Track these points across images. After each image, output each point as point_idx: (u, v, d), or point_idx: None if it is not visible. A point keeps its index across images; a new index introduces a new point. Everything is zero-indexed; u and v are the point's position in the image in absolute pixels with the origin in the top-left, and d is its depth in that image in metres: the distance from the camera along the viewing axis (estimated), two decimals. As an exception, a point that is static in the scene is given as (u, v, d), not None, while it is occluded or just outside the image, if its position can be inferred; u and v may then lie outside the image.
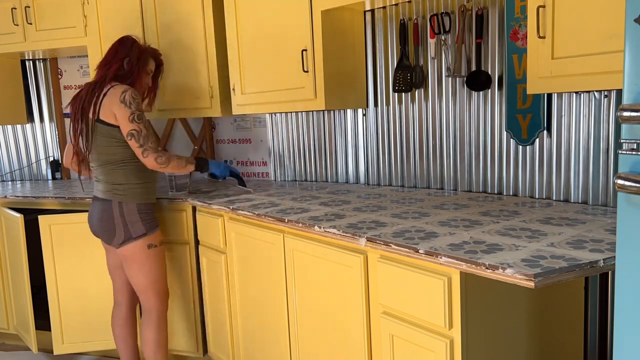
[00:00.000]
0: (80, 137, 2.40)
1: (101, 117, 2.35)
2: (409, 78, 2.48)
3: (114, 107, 2.33)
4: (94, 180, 2.51)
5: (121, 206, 2.41)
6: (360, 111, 2.80)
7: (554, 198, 2.12)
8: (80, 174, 2.58)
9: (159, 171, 2.47)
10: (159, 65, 2.67)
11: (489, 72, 2.23)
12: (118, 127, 2.35)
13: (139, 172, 2.45)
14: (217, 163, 2.72)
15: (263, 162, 3.34)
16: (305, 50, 2.48)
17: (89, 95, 2.40)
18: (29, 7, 3.27)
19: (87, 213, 2.83)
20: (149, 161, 2.38)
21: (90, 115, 2.37)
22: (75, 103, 2.44)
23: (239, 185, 2.87)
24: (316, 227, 1.91)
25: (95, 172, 2.48)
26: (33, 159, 3.89)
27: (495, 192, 2.32)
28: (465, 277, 1.45)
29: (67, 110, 2.54)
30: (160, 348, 2.57)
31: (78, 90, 2.51)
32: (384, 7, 2.58)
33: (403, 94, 2.59)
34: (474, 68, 2.26)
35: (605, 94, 1.90)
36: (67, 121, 3.82)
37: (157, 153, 2.38)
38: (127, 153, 2.41)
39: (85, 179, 3.77)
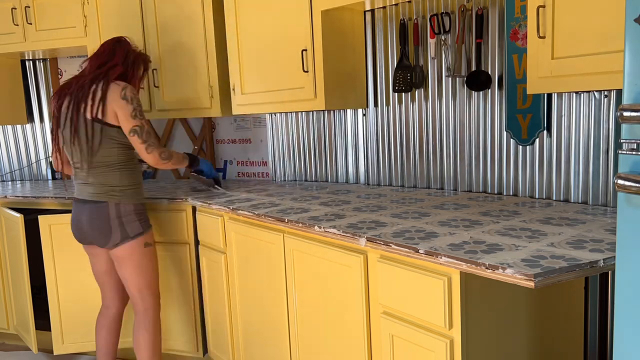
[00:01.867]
0: (77, 136, 2.32)
1: (101, 117, 2.29)
2: (409, 78, 2.48)
3: (115, 105, 2.30)
4: (77, 182, 2.44)
5: (118, 207, 2.38)
6: (360, 111, 2.80)
7: (554, 198, 2.12)
8: (69, 176, 2.55)
9: (158, 167, 2.48)
10: (144, 70, 2.63)
11: (489, 72, 2.23)
12: (117, 127, 2.33)
13: (131, 174, 2.44)
14: (206, 161, 2.86)
15: (263, 162, 3.34)
16: (305, 50, 2.48)
17: (83, 92, 2.33)
18: (29, 7, 3.27)
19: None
20: (153, 157, 2.38)
21: (89, 115, 2.30)
22: (66, 99, 2.37)
23: (216, 186, 2.92)
24: (316, 227, 1.91)
25: (81, 174, 2.39)
26: (33, 159, 3.89)
27: (495, 192, 2.32)
28: (465, 277, 1.45)
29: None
30: (156, 349, 2.56)
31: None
32: (384, 7, 2.58)
33: (403, 94, 2.59)
34: (474, 68, 2.26)
35: (605, 94, 1.90)
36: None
37: (160, 149, 2.41)
38: (122, 155, 2.39)
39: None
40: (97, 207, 2.37)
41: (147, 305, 2.52)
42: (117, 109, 2.30)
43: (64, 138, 2.39)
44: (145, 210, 2.50)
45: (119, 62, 2.43)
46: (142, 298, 2.51)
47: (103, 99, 2.30)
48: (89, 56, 2.52)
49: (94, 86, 2.33)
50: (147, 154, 2.37)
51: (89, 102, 2.30)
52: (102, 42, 3.13)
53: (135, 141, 2.35)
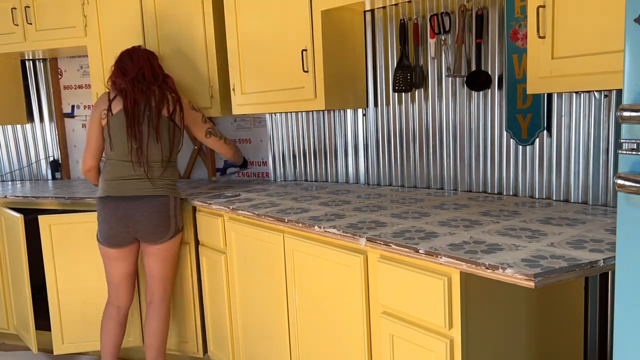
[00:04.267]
0: (158, 133, 2.47)
1: (175, 119, 2.53)
2: (409, 78, 2.48)
3: (187, 113, 2.63)
4: (127, 179, 2.46)
5: (176, 201, 2.55)
6: (360, 111, 2.80)
7: (554, 198, 2.12)
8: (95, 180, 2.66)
9: (230, 157, 2.94)
10: None
11: (489, 72, 2.23)
12: (181, 130, 2.60)
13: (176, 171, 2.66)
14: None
15: (263, 162, 3.34)
16: (305, 50, 2.48)
17: (155, 96, 2.48)
18: (29, 7, 3.27)
19: (87, 213, 2.83)
20: (230, 147, 2.86)
21: (165, 110, 2.50)
22: (139, 98, 2.47)
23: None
24: (316, 227, 1.91)
25: (145, 169, 2.47)
26: (33, 159, 3.89)
27: (495, 192, 2.32)
28: (465, 277, 1.45)
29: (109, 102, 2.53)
30: (166, 336, 2.69)
31: (121, 87, 2.52)
32: (384, 7, 2.58)
33: (403, 94, 2.59)
34: (474, 68, 2.26)
35: (605, 94, 1.90)
36: (68, 121, 3.83)
37: (230, 140, 2.85)
38: (176, 153, 2.60)
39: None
40: (159, 202, 2.48)
41: (166, 295, 2.66)
42: (190, 117, 2.65)
43: (139, 134, 2.45)
44: None
45: (158, 69, 2.62)
46: (164, 289, 2.64)
47: (180, 105, 2.57)
48: (124, 62, 2.57)
49: (165, 93, 2.53)
50: (226, 145, 2.82)
51: (167, 106, 2.51)
52: (102, 42, 3.17)
53: (213, 140, 2.77)
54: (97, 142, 2.54)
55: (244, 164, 3.17)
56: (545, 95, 2.08)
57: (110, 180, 2.49)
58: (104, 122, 2.50)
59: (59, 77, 3.80)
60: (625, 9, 1.05)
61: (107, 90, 2.58)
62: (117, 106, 2.48)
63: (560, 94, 2.04)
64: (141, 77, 2.51)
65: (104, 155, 2.58)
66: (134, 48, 2.62)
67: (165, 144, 2.50)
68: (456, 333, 1.48)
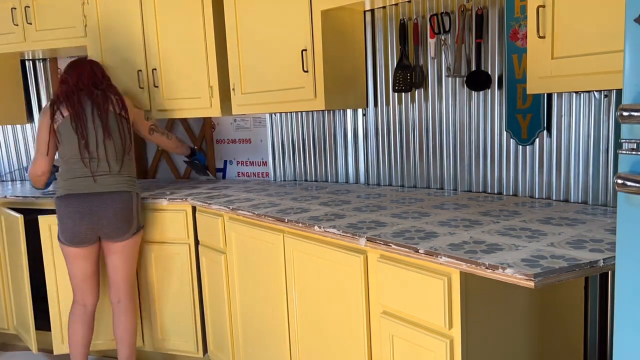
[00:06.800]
0: (108, 131, 2.52)
1: (125, 115, 2.61)
2: (409, 78, 2.48)
3: (132, 110, 2.69)
4: (95, 176, 2.50)
5: (137, 197, 2.60)
6: (360, 111, 2.80)
7: (554, 198, 2.12)
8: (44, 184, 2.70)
9: (175, 151, 3.06)
10: None
11: (489, 72, 2.23)
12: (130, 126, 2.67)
13: None
14: (201, 153, 3.32)
15: (263, 162, 3.34)
16: (305, 50, 2.48)
17: (99, 97, 2.55)
18: (28, 7, 3.27)
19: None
20: (174, 141, 2.98)
21: (111, 108, 2.56)
22: (83, 102, 2.53)
23: (205, 171, 3.38)
24: (316, 227, 1.91)
25: (102, 165, 2.51)
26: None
27: (495, 192, 2.32)
28: (465, 277, 1.45)
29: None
30: (136, 333, 2.76)
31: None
32: (384, 7, 2.58)
33: (403, 94, 2.59)
34: (474, 68, 2.26)
35: (605, 94, 1.90)
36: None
37: (173, 134, 3.00)
38: (130, 148, 2.63)
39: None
40: (122, 197, 2.52)
41: (132, 294, 2.71)
42: (134, 113, 2.71)
43: (86, 132, 2.50)
44: None
45: (104, 76, 2.66)
46: (131, 286, 2.70)
47: (123, 102, 2.62)
48: (66, 72, 2.64)
49: (108, 95, 2.59)
50: (169, 140, 2.93)
51: (112, 104, 2.58)
52: (101, 42, 3.17)
53: (157, 136, 2.86)
54: (48, 147, 2.57)
55: (206, 168, 3.35)
56: (545, 95, 2.08)
57: (72, 178, 2.52)
58: (56, 125, 2.52)
59: (59, 77, 3.80)
60: (625, 9, 1.05)
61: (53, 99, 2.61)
62: (65, 110, 2.53)
63: (560, 94, 2.04)
64: (83, 83, 2.57)
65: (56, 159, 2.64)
66: (75, 59, 2.70)
67: (117, 140, 2.55)
68: (456, 333, 1.48)
